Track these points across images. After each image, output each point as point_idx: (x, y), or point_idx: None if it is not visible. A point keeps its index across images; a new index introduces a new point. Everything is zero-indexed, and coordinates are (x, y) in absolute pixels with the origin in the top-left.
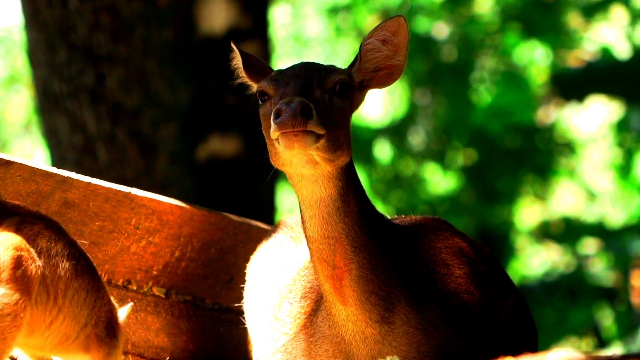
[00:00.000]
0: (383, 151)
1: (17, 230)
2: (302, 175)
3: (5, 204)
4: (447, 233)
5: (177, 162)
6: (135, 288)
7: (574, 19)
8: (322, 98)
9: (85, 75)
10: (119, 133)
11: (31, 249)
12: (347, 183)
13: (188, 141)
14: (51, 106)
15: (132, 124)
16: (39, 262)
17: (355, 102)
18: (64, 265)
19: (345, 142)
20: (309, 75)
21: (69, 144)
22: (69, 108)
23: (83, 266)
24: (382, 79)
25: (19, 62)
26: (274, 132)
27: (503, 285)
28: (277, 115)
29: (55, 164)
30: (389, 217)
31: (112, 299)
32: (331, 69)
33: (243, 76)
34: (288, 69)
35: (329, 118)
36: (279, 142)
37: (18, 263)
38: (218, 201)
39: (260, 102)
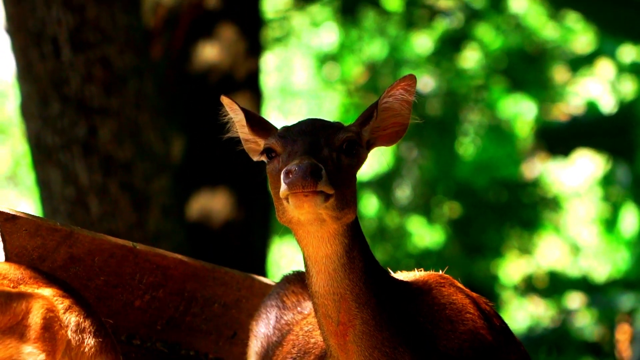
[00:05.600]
0: (369, 204)
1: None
2: (308, 232)
3: (41, 274)
4: (451, 289)
5: (169, 215)
6: (139, 343)
7: (559, 73)
8: (330, 156)
9: (77, 128)
10: (111, 185)
11: (61, 315)
12: (353, 240)
13: (180, 194)
14: (44, 158)
15: (124, 177)
16: (68, 330)
17: (361, 159)
18: (89, 342)
19: (352, 200)
20: (316, 132)
21: (61, 196)
22: (61, 160)
23: (108, 344)
24: (389, 137)
25: (3, 113)
26: (283, 192)
27: (506, 340)
28: (287, 175)
29: (47, 216)
30: (393, 273)
31: None
32: (338, 126)
33: (244, 131)
34: (294, 125)
35: (337, 177)
36: (288, 201)
37: (48, 324)
38: (210, 254)
39: (267, 159)
